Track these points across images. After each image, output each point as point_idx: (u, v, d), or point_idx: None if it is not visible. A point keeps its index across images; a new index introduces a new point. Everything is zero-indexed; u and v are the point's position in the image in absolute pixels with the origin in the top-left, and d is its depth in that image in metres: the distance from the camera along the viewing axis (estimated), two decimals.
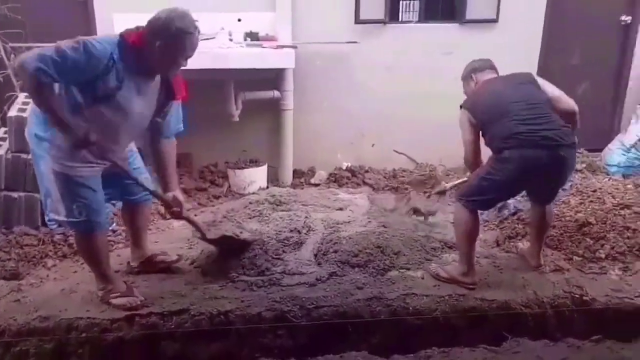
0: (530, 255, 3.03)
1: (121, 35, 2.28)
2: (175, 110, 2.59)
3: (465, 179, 3.22)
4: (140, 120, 2.46)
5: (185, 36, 2.25)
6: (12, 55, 4.17)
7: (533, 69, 4.60)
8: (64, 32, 4.00)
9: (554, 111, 2.66)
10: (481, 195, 2.72)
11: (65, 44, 2.15)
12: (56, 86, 2.22)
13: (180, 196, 2.68)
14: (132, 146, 2.73)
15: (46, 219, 2.56)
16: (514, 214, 3.50)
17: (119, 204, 3.29)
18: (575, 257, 3.05)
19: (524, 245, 3.17)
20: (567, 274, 2.93)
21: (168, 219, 3.65)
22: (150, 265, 2.94)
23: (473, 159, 2.77)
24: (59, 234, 3.16)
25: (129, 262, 2.97)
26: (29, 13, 4.11)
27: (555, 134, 2.57)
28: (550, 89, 2.76)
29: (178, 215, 2.71)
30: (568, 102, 2.71)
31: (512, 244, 3.26)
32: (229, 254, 2.97)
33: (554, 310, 2.72)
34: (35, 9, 4.15)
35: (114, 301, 2.61)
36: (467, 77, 3.00)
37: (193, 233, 3.01)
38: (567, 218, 3.28)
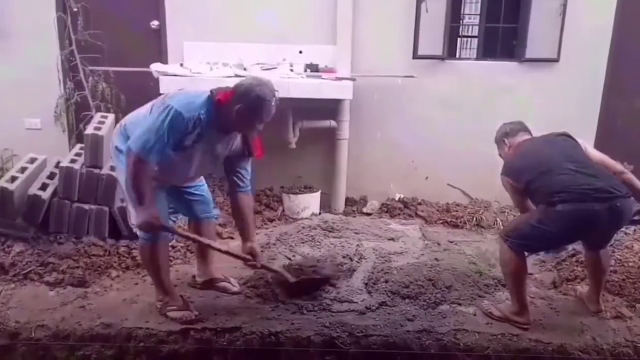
0: (589, 300, 2.93)
1: (211, 92, 2.49)
2: (249, 167, 2.77)
3: None
4: (209, 164, 2.68)
5: (263, 103, 2.44)
6: (90, 78, 4.50)
7: (595, 111, 4.53)
8: (138, 58, 4.35)
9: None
10: (529, 241, 2.68)
11: (159, 114, 2.37)
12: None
13: (257, 248, 2.78)
14: None
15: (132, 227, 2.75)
16: (572, 255, 3.40)
17: (179, 220, 3.46)
18: (638, 305, 2.92)
19: (582, 289, 3.07)
20: (629, 321, 2.81)
21: (225, 238, 3.77)
22: (212, 287, 3.04)
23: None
24: (123, 246, 3.32)
25: (194, 276, 3.10)
26: (107, 39, 4.42)
27: (609, 185, 2.51)
28: (593, 151, 2.73)
29: (254, 267, 2.80)
30: (613, 164, 2.67)
31: (570, 286, 3.16)
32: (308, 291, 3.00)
33: (614, 359, 2.60)
34: (114, 35, 4.46)
35: (170, 314, 2.71)
36: (499, 141, 3.01)
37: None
38: (630, 264, 3.16)
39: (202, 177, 2.94)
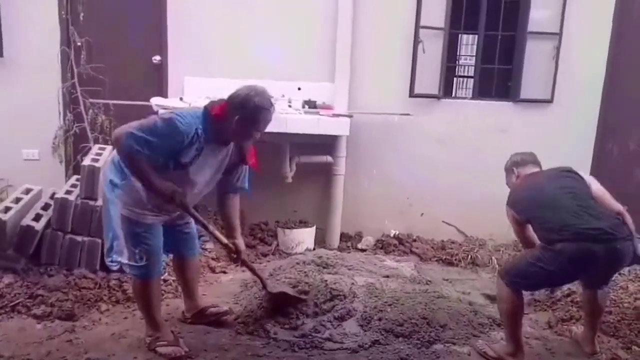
0: (584, 341, 2.89)
1: (205, 107, 2.52)
2: (244, 171, 2.81)
3: None
4: (210, 180, 2.67)
5: (261, 112, 2.48)
6: (90, 110, 4.55)
7: (589, 152, 4.57)
8: (139, 91, 4.42)
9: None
10: (526, 279, 2.67)
11: (157, 119, 2.41)
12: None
13: (241, 244, 2.83)
14: None
15: (107, 260, 2.70)
16: (567, 295, 3.37)
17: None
18: (634, 347, 2.88)
19: (578, 329, 3.03)
20: None
21: (217, 272, 3.74)
22: (203, 317, 3.00)
23: (530, 245, 2.77)
24: (114, 279, 3.28)
25: (183, 312, 3.06)
26: (109, 73, 4.50)
27: (610, 226, 2.51)
28: (596, 187, 2.74)
29: (236, 261, 2.86)
30: (612, 204, 2.67)
31: (565, 327, 3.12)
32: (276, 311, 3.02)
33: None
34: (116, 69, 4.54)
35: (160, 349, 2.66)
36: (509, 169, 3.03)
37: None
38: (626, 304, 3.14)
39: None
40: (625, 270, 3.42)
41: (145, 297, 2.68)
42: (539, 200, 2.67)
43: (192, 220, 2.90)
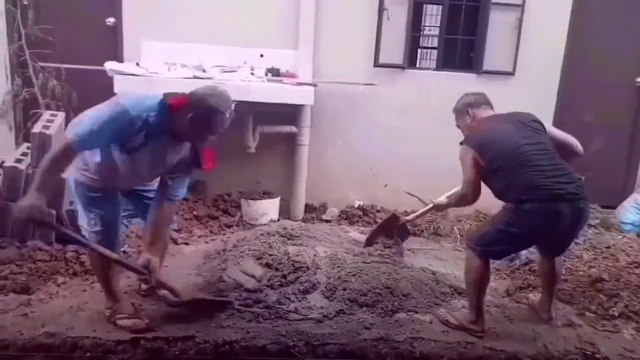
0: (541, 308, 2.99)
1: (164, 95, 2.38)
2: (187, 176, 2.64)
3: (431, 205, 3.17)
4: (152, 174, 2.57)
5: (216, 114, 2.33)
6: (40, 74, 4.30)
7: (548, 123, 4.65)
8: (92, 56, 4.19)
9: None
10: (496, 246, 2.71)
11: (107, 108, 2.28)
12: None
13: (155, 262, 2.54)
14: None
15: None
16: (525, 264, 3.48)
17: (133, 224, 3.34)
18: (587, 313, 3.01)
19: (535, 297, 3.14)
20: (579, 329, 2.88)
21: (180, 243, 3.66)
22: (154, 293, 2.92)
23: (474, 197, 2.72)
24: (71, 251, 3.16)
25: (140, 284, 2.97)
26: (60, 35, 4.25)
27: (574, 187, 2.58)
28: (556, 133, 2.80)
29: (147, 283, 2.64)
30: (575, 146, 2.77)
31: (523, 294, 3.22)
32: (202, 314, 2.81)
33: None
34: (67, 31, 4.29)
35: (120, 322, 2.60)
36: (461, 110, 2.96)
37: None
38: (580, 273, 3.26)
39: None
40: (580, 239, 3.54)
41: (102, 267, 2.58)
42: (510, 155, 2.63)
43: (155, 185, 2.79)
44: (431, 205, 3.30)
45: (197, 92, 2.37)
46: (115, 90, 3.74)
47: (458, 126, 3.01)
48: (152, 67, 4.02)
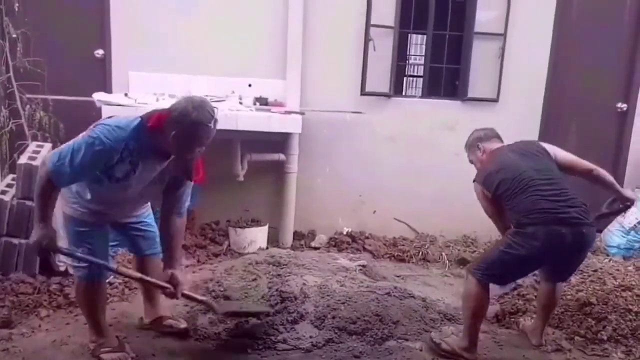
0: (532, 333, 2.97)
1: (141, 118, 2.33)
2: (188, 189, 2.60)
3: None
4: (151, 192, 2.53)
5: (199, 128, 2.26)
6: (28, 106, 4.31)
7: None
8: (81, 87, 4.22)
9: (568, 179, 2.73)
10: (499, 270, 2.69)
11: (78, 143, 2.23)
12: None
13: (179, 275, 2.53)
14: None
15: (55, 260, 2.56)
16: (514, 289, 3.47)
17: (119, 254, 3.31)
18: (576, 337, 3.00)
19: (525, 322, 3.12)
20: (568, 354, 2.87)
21: None
22: (159, 327, 2.88)
23: (501, 228, 2.79)
24: (55, 283, 3.12)
25: (141, 318, 2.92)
26: (48, 67, 4.27)
27: (578, 212, 2.59)
28: (564, 156, 2.82)
29: (172, 297, 2.56)
30: (584, 165, 2.77)
31: (512, 320, 3.21)
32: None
33: None
34: (55, 63, 4.31)
35: (104, 356, 2.55)
36: (472, 145, 3.03)
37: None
38: (568, 297, 3.25)
39: (148, 211, 2.80)
40: (584, 259, 3.54)
41: (89, 300, 2.54)
42: (511, 182, 2.67)
43: (149, 219, 2.77)
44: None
45: (177, 107, 2.28)
46: None
47: (471, 161, 3.06)
48: (141, 97, 4.04)
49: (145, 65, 4.39)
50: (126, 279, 3.28)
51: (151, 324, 2.88)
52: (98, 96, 3.92)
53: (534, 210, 2.58)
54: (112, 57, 4.43)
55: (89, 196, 2.38)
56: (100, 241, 2.50)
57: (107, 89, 4.35)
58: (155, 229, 2.77)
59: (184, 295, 2.60)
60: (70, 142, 2.27)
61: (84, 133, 2.30)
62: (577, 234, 2.56)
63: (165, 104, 4.00)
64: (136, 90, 4.25)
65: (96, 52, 4.45)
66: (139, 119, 2.32)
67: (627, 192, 2.92)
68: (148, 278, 2.56)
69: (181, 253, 2.66)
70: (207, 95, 4.24)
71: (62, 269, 2.92)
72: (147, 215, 2.78)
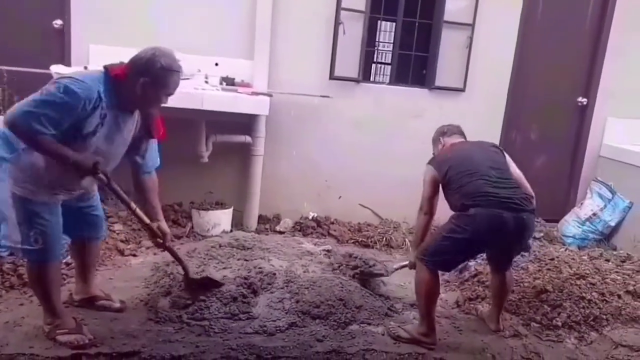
0: (489, 319, 3.06)
1: (105, 68, 2.27)
2: (153, 147, 2.62)
3: (407, 263, 3.22)
4: (116, 153, 2.46)
5: (169, 74, 2.30)
6: None
7: (496, 140, 4.81)
8: (38, 58, 4.02)
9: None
10: (443, 255, 2.75)
11: (51, 89, 2.12)
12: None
13: (165, 226, 2.68)
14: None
15: None
16: (474, 275, 3.55)
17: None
18: (533, 323, 3.10)
19: (483, 308, 3.20)
20: (525, 339, 2.97)
21: (127, 255, 3.53)
22: (91, 305, 2.80)
23: (429, 210, 2.86)
24: (8, 262, 2.98)
25: (71, 294, 2.85)
26: (3, 36, 4.05)
27: (520, 199, 2.68)
28: (514, 168, 2.90)
29: (161, 245, 2.70)
30: (527, 189, 2.83)
31: (472, 306, 3.29)
32: (197, 294, 2.94)
33: None
34: (10, 33, 4.09)
35: (60, 337, 2.46)
36: (436, 139, 3.16)
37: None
38: (526, 284, 3.35)
39: (96, 196, 2.70)
40: (523, 246, 3.65)
41: (43, 283, 2.44)
42: (461, 166, 2.77)
43: (97, 202, 2.69)
44: (406, 263, 3.28)
45: (144, 55, 2.28)
46: None
47: (434, 154, 3.12)
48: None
49: (106, 38, 4.20)
50: None
51: (81, 302, 2.81)
52: (56, 68, 3.74)
53: (478, 193, 2.66)
54: (71, 28, 4.23)
55: (42, 164, 2.25)
56: (54, 221, 2.38)
57: (66, 61, 4.15)
58: (101, 212, 2.75)
59: (167, 248, 2.74)
60: (32, 96, 2.12)
61: (44, 88, 2.15)
62: (517, 218, 2.64)
63: None
64: (96, 64, 4.06)
65: (55, 22, 4.24)
66: (103, 69, 2.27)
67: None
68: (142, 216, 2.58)
69: (160, 207, 2.70)
70: None
71: (4, 254, 2.79)
72: (94, 200, 2.69)
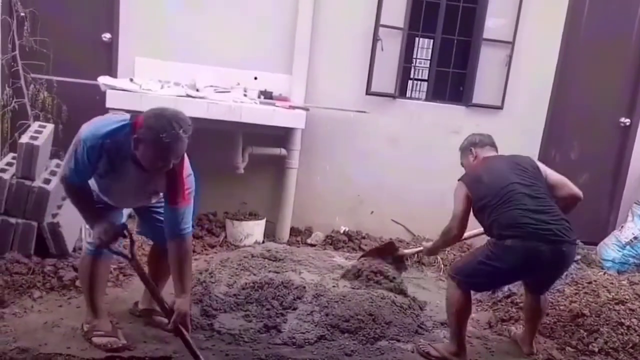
0: (522, 342, 2.99)
1: (131, 116, 2.32)
2: (180, 212, 2.38)
3: (421, 248, 3.17)
4: (132, 198, 2.55)
5: (156, 139, 2.11)
6: (32, 86, 4.29)
7: (534, 158, 4.72)
8: (86, 70, 4.20)
9: (554, 200, 2.71)
10: (476, 278, 2.71)
11: (74, 145, 2.31)
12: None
13: (186, 306, 2.38)
14: None
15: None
16: (507, 296, 3.48)
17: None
18: (568, 348, 3.01)
19: (517, 330, 3.13)
20: None
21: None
22: (149, 317, 2.85)
23: (459, 232, 2.76)
24: (50, 265, 3.10)
25: (136, 303, 2.92)
26: (55, 48, 4.25)
27: (559, 229, 2.58)
28: (552, 175, 2.81)
29: (174, 330, 2.38)
30: (572, 189, 2.75)
31: (505, 327, 3.22)
32: None
33: None
34: (62, 44, 4.29)
35: (95, 340, 2.54)
36: (466, 149, 3.04)
37: None
38: (562, 307, 3.26)
39: None
40: (563, 274, 3.56)
41: (90, 275, 2.54)
42: (496, 191, 2.67)
43: None
44: (420, 248, 3.25)
45: (149, 112, 2.20)
46: (107, 104, 3.74)
47: (462, 164, 3.05)
48: (145, 83, 4.02)
49: (151, 52, 4.37)
50: (122, 265, 3.28)
51: (142, 312, 2.87)
52: (103, 80, 3.91)
53: (515, 224, 2.58)
54: (119, 41, 4.41)
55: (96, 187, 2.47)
56: (111, 219, 2.47)
57: (113, 73, 4.33)
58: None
59: (177, 333, 2.38)
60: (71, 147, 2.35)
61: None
62: (556, 251, 2.56)
63: (170, 91, 4.01)
64: (141, 76, 4.23)
65: (103, 35, 4.44)
66: (129, 117, 2.32)
67: None
68: (156, 292, 2.49)
69: (188, 279, 2.46)
70: (211, 86, 4.26)
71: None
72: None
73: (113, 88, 3.84)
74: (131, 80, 4.07)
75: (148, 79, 4.14)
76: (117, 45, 4.41)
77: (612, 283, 3.60)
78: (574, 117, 4.87)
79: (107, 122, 2.33)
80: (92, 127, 2.30)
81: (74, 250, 3.34)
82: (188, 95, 3.99)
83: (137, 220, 2.77)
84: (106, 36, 4.43)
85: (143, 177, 2.34)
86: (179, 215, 2.37)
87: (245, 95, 4.28)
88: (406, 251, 3.66)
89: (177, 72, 4.33)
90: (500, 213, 2.63)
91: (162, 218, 2.50)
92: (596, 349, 2.97)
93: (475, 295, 3.51)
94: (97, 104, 3.84)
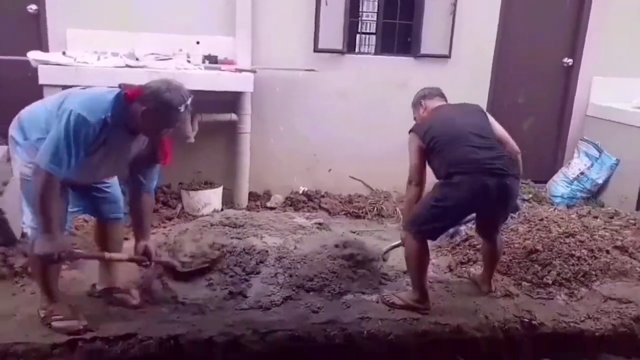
0: (481, 281, 3.10)
1: (120, 86, 2.31)
2: (157, 168, 2.61)
3: (399, 242, 3.19)
4: (118, 168, 2.50)
5: (167, 109, 2.26)
6: None
7: (483, 105, 4.79)
8: (12, 44, 3.93)
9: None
10: (430, 223, 2.75)
11: (64, 124, 2.18)
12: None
13: (151, 246, 2.64)
14: None
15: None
16: (465, 240, 3.59)
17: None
18: (524, 283, 3.16)
19: (475, 271, 3.25)
20: (516, 299, 3.02)
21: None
22: (110, 297, 2.79)
23: (418, 179, 2.82)
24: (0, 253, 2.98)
25: (94, 285, 2.84)
26: None
27: (503, 164, 2.68)
28: (498, 128, 2.88)
29: (149, 266, 2.71)
30: (513, 146, 2.83)
31: (464, 269, 3.33)
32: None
33: (504, 334, 2.78)
34: None
35: (55, 324, 2.48)
36: (416, 103, 3.09)
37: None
38: (516, 245, 3.39)
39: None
40: (516, 213, 3.69)
41: (43, 265, 2.44)
42: (445, 134, 2.74)
43: (111, 181, 2.67)
44: (399, 241, 3.24)
45: (151, 85, 2.30)
46: (41, 81, 3.53)
47: (415, 119, 3.08)
48: (81, 56, 3.81)
49: (84, 22, 4.12)
50: (75, 246, 3.17)
51: (102, 292, 2.81)
52: (33, 55, 3.67)
53: (462, 160, 2.66)
54: (46, 12, 4.13)
55: None
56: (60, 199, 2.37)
57: (43, 47, 4.07)
58: (118, 191, 2.72)
59: (154, 261, 2.72)
60: (50, 135, 2.23)
61: (53, 98, 2.30)
62: (500, 184, 2.65)
63: (108, 62, 3.82)
64: (75, 49, 4.00)
65: (29, 7, 4.14)
66: (119, 88, 2.30)
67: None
68: (118, 257, 2.64)
69: (150, 226, 2.71)
70: (152, 54, 4.08)
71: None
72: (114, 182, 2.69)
73: (46, 63, 3.62)
74: (64, 53, 3.85)
75: (83, 51, 3.92)
76: (45, 16, 4.14)
77: (562, 218, 3.76)
78: (519, 61, 4.95)
79: (100, 94, 2.33)
80: (87, 100, 2.25)
81: (23, 235, 3.19)
82: (127, 66, 3.81)
83: (71, 201, 2.59)
84: (32, 8, 4.15)
85: (129, 146, 2.40)
86: (155, 172, 2.60)
87: (188, 61, 4.13)
88: (387, 247, 3.56)
89: (114, 42, 4.10)
90: (448, 152, 2.70)
91: (103, 190, 2.63)
92: (550, 281, 3.13)
93: (434, 242, 3.61)
94: (28, 81, 3.61)
